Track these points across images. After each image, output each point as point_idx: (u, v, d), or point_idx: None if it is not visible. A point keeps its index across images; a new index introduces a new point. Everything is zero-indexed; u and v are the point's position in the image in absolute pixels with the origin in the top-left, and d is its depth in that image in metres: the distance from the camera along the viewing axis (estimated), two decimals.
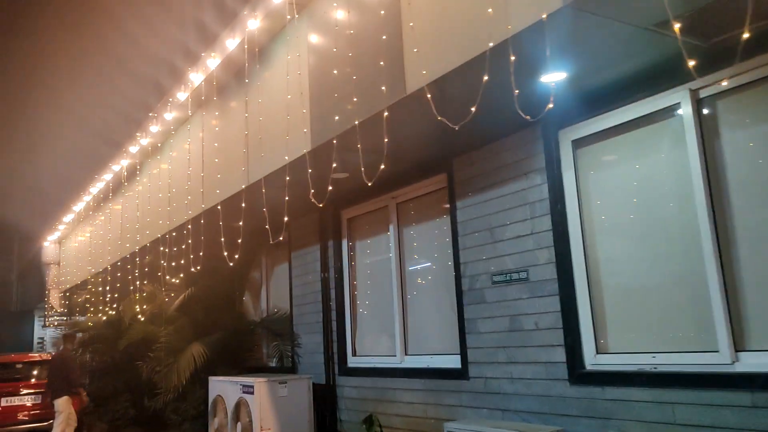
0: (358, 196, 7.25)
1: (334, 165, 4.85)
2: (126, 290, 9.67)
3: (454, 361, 5.82)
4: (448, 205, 6.05)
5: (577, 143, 4.90)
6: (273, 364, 9.09)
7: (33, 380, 10.81)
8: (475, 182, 5.66)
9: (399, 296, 6.70)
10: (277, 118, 5.73)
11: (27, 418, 10.11)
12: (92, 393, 11.93)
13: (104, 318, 11.10)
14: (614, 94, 4.51)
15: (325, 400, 7.42)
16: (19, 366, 11.07)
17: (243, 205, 6.00)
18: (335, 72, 4.83)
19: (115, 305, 9.84)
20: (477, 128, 5.28)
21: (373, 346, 7.15)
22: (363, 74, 4.68)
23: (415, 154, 5.88)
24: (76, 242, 14.25)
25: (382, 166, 4.56)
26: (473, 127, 5.30)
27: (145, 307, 8.64)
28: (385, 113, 4.31)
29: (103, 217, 11.56)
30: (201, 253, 6.77)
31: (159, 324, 8.81)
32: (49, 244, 16.17)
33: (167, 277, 7.49)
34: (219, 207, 6.52)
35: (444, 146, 5.79)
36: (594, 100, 4.59)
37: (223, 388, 7.74)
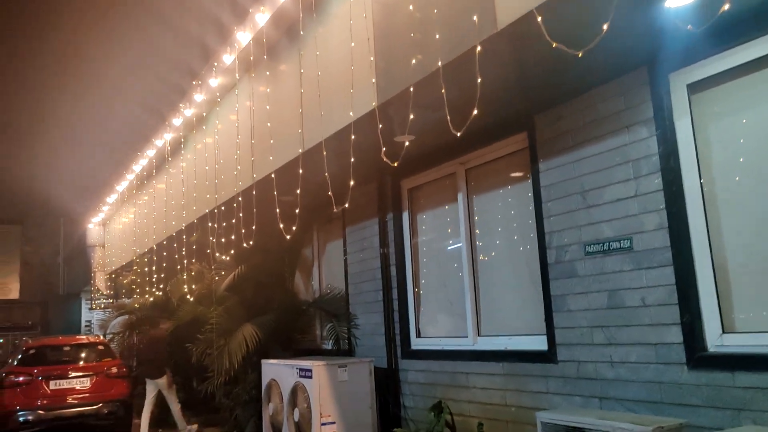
0: (420, 164, 6.63)
1: (411, 117, 4.21)
2: (173, 270, 9.29)
3: (538, 343, 5.19)
4: (528, 169, 5.38)
5: (694, 87, 4.17)
6: (328, 346, 8.60)
7: (81, 363, 10.57)
8: (564, 140, 4.97)
9: (470, 272, 6.08)
10: (338, 72, 5.13)
11: (76, 402, 9.87)
12: (140, 376, 11.71)
13: (151, 299, 10.79)
14: (741, 26, 3.77)
15: (387, 385, 6.88)
16: (67, 348, 10.85)
17: (300, 171, 5.44)
18: (409, 9, 4.19)
19: (161, 286, 9.48)
20: (566, 78, 4.62)
21: (440, 327, 6.56)
22: (442, 11, 4.04)
23: (491, 111, 5.21)
24: (120, 224, 14.02)
25: (453, 130, 3.92)
26: (560, 77, 4.65)
27: (193, 286, 8.22)
28: (477, 48, 3.64)
29: (146, 197, 11.21)
30: (254, 227, 6.27)
31: (208, 304, 8.39)
32: (93, 227, 16.04)
33: (218, 253, 7.03)
34: (273, 176, 5.98)
35: (524, 102, 5.12)
36: (716, 34, 3.84)
37: (278, 371, 7.28)
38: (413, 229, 6.99)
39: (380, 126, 4.44)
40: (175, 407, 9.73)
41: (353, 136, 4.79)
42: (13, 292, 23.26)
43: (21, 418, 9.52)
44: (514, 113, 5.31)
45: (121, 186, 12.42)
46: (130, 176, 11.64)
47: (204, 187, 7.79)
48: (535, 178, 5.21)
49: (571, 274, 4.84)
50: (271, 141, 5.99)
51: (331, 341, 7.80)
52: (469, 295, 6.05)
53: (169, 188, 9.26)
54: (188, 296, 8.28)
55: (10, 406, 9.57)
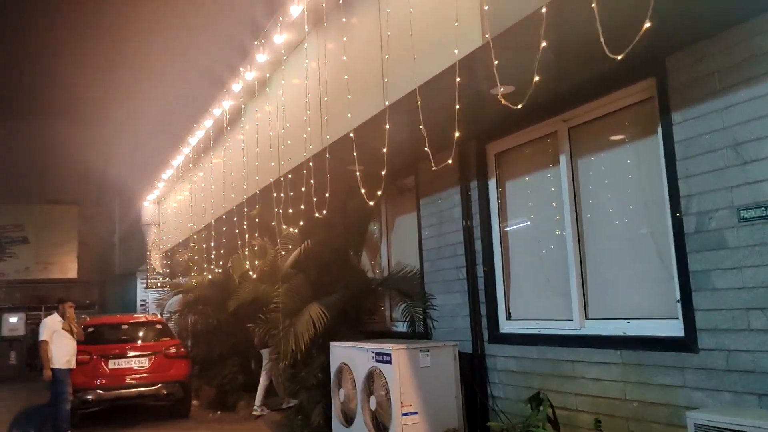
0: (511, 124, 5.84)
1: (544, 43, 3.42)
2: (233, 246, 8.77)
3: (670, 328, 4.38)
4: (655, 122, 4.54)
5: None
6: (398, 328, 7.95)
7: (140, 342, 10.24)
8: (707, 84, 4.11)
9: (575, 245, 5.28)
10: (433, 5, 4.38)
11: (135, 382, 9.54)
12: (197, 357, 11.37)
13: (209, 277, 10.35)
14: None
15: (472, 372, 6.18)
16: (125, 327, 10.55)
17: (387, 126, 4.73)
18: None
19: (220, 263, 8.99)
20: (711, 7, 3.77)
21: (535, 308, 5.79)
22: None
23: (608, 56, 4.38)
24: (175, 201, 13.67)
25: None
26: (703, 4, 3.80)
27: (256, 263, 7.67)
28: None
29: (203, 171, 10.74)
30: (327, 195, 5.60)
31: (271, 282, 7.83)
32: (148, 205, 15.79)
33: (285, 226, 6.42)
34: (352, 134, 5.29)
35: (652, 42, 4.25)
36: None
37: (350, 355, 6.66)
38: (501, 199, 6.21)
39: (496, 61, 3.67)
40: (263, 383, 9.59)
41: (458, 78, 4.03)
42: (72, 272, 23.49)
43: (80, 398, 9.24)
44: (637, 57, 4.44)
45: (177, 161, 12.00)
46: (186, 150, 11.18)
47: (267, 155, 7.18)
48: (667, 133, 4.37)
49: (718, 246, 4.00)
50: (349, 96, 5.29)
51: (405, 323, 7.13)
52: (573, 272, 5.26)
53: (228, 159, 8.71)
54: (250, 273, 7.73)
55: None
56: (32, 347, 21.04)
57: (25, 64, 16.08)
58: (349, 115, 5.28)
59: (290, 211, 6.41)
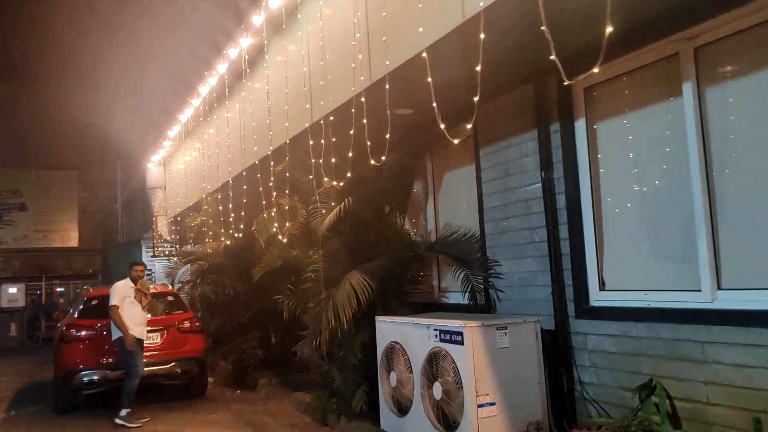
0: (609, 49, 4.68)
1: None
2: (254, 208, 7.67)
3: None
4: None
5: None
6: (448, 300, 6.93)
7: (150, 316, 9.24)
8: None
9: (704, 198, 4.18)
10: None
11: (146, 360, 8.53)
12: (211, 330, 10.39)
13: (227, 243, 9.28)
14: None
15: (557, 353, 5.14)
16: None
17: (482, 36, 3.59)
18: None
19: (240, 226, 7.90)
20: None
21: (640, 276, 4.72)
22: None
23: None
24: (182, 163, 12.52)
25: None
26: None
27: (287, 224, 6.58)
28: None
29: (217, 126, 9.58)
30: (388, 136, 4.50)
31: (303, 247, 6.76)
32: (153, 167, 14.64)
33: (326, 179, 5.32)
34: (425, 54, 4.14)
35: None
36: None
37: (403, 332, 5.62)
38: (593, 144, 5.09)
39: None
40: None
41: None
42: (73, 240, 22.51)
43: (85, 378, 8.27)
44: None
45: (185, 115, 10.82)
46: (195, 102, 9.99)
47: (300, 95, 6.04)
48: None
49: None
50: (420, 5, 4.12)
51: (465, 294, 6.07)
52: (702, 231, 4.17)
53: (248, 107, 7.55)
54: (280, 237, 6.65)
55: (72, 364, 8.32)
56: (33, 318, 20.22)
57: (21, 24, 14.85)
58: (421, 29, 4.12)
59: (332, 160, 5.29)
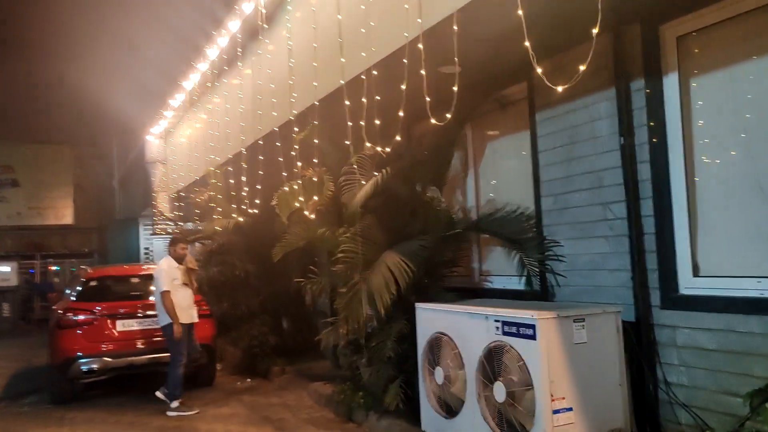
0: None
1: None
2: (270, 182, 6.89)
3: None
4: None
5: None
6: (491, 285, 6.20)
7: (153, 299, 8.52)
8: None
9: None
10: None
11: (150, 347, 7.82)
12: (219, 314, 9.65)
13: (239, 220, 8.50)
14: None
15: (639, 348, 4.41)
16: (135, 281, 8.73)
17: None
18: None
19: (257, 202, 7.11)
20: None
21: (749, 261, 3.97)
22: None
23: None
24: (187, 133, 11.68)
25: None
26: None
27: (315, 198, 5.80)
28: None
29: (226, 92, 8.74)
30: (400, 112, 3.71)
31: (330, 224, 5.99)
32: (153, 140, 13.79)
33: (368, 145, 4.52)
34: None
35: None
36: None
37: (452, 322, 4.88)
38: (686, 103, 4.32)
39: None
40: None
41: None
42: (67, 218, 21.64)
43: (84, 367, 7.54)
44: None
45: (190, 82, 9.95)
46: (202, 66, 9.13)
47: (332, 49, 5.23)
48: None
49: None
50: None
51: (517, 278, 5.33)
52: None
53: (266, 67, 6.73)
54: (306, 212, 5.87)
55: (70, 351, 7.58)
56: (27, 299, 19.45)
57: None
58: None
59: (376, 122, 4.50)
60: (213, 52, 8.63)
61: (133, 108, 13.80)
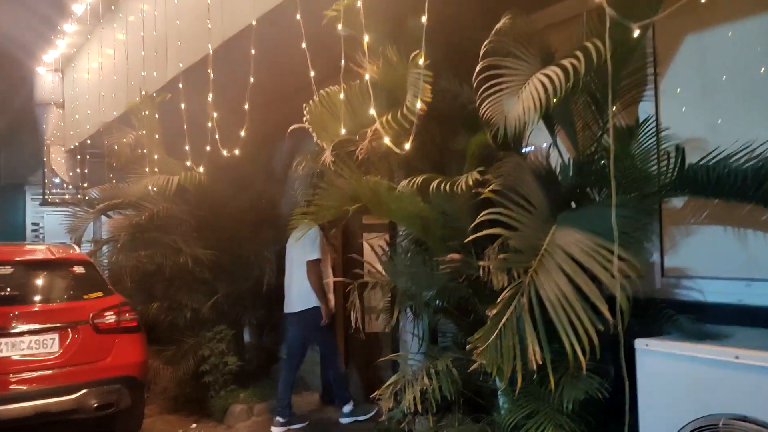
0: None
1: None
2: (255, 114, 3.80)
3: None
4: None
5: None
6: (691, 293, 3.44)
7: (39, 301, 5.28)
8: None
9: None
10: None
11: (32, 388, 4.59)
12: (149, 322, 6.47)
13: (183, 178, 5.34)
14: None
15: None
16: (9, 271, 5.24)
17: None
18: None
19: (216, 151, 4.00)
20: None
21: None
22: None
23: None
24: (95, 62, 8.16)
25: None
26: None
27: (389, 117, 2.77)
28: None
29: None
30: None
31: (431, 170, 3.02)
32: (45, 73, 10.05)
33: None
34: None
35: None
36: None
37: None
38: None
39: None
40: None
41: None
42: None
43: None
44: None
45: None
46: None
47: None
48: None
49: None
50: None
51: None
52: None
53: None
54: (386, 141, 2.79)
55: None
56: None
57: None
58: None
59: None
60: None
61: (12, 29, 9.92)
